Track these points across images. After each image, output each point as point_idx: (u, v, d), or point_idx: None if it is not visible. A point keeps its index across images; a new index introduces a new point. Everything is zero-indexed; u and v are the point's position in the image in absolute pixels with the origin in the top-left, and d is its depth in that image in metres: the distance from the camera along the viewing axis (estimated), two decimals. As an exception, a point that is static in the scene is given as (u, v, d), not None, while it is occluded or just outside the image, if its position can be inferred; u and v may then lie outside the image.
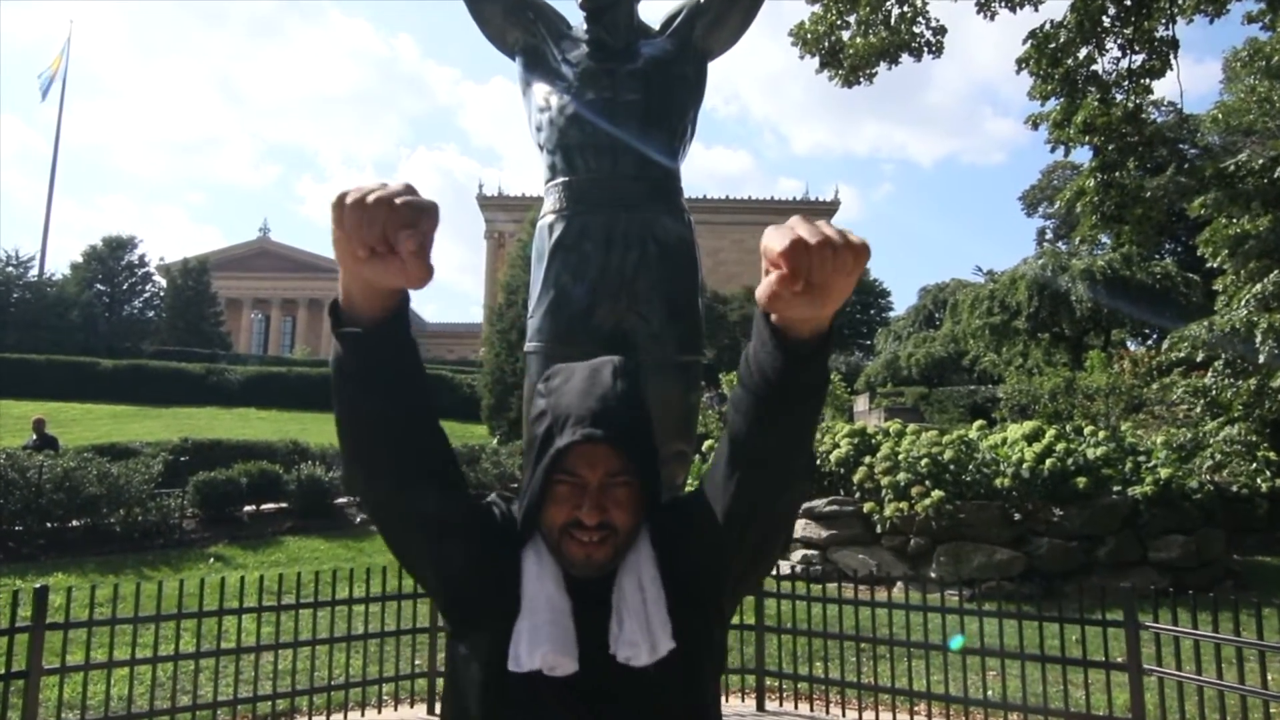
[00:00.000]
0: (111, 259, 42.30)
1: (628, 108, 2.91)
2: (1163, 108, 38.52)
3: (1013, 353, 28.77)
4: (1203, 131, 31.49)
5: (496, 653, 1.22)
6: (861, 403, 28.60)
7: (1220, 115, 18.13)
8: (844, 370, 39.64)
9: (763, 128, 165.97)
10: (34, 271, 38.56)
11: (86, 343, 35.27)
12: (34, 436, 12.00)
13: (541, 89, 3.04)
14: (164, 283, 45.75)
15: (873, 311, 52.34)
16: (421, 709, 5.68)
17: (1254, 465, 12.98)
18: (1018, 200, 48.14)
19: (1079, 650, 5.50)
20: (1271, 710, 4.76)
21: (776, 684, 5.92)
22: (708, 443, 13.12)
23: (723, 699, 5.83)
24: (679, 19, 3.16)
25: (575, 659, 1.19)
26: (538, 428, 1.28)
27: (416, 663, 5.93)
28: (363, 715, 5.50)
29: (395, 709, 5.71)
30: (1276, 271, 7.91)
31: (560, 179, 2.96)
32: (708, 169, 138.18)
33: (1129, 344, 27.67)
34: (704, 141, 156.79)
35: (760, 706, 5.74)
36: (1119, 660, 4.75)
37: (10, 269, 36.97)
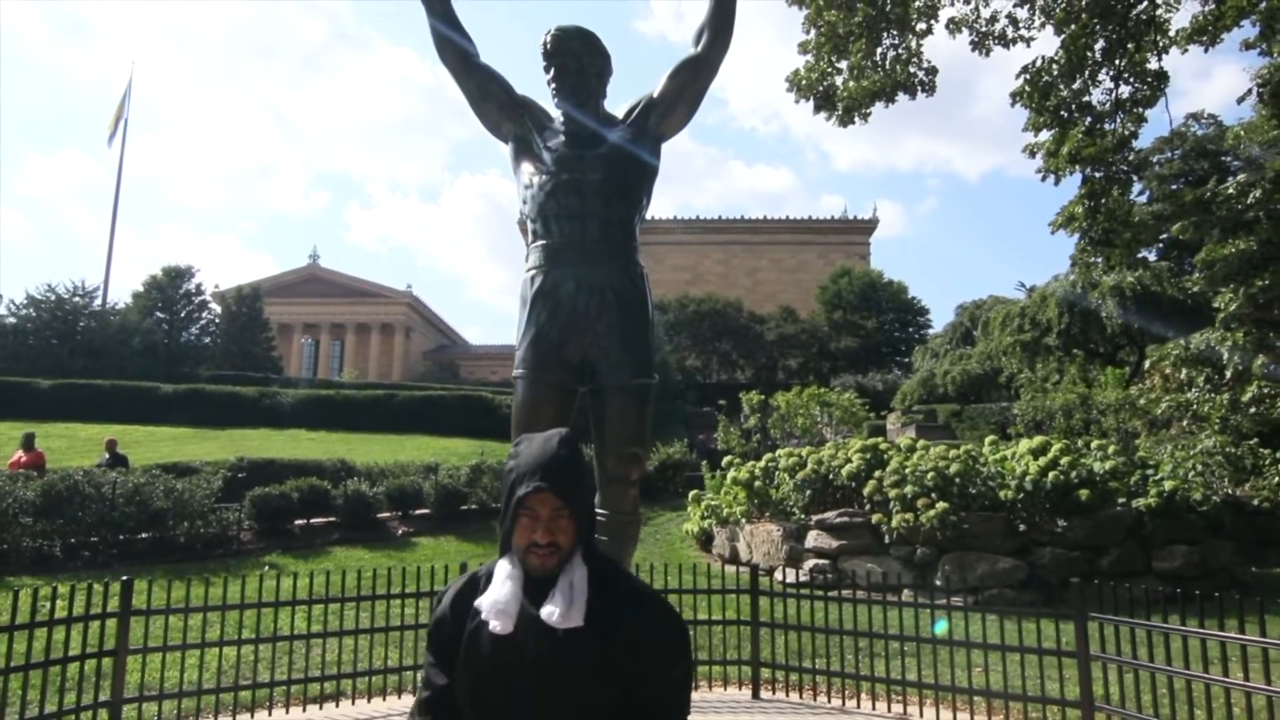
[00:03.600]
0: (171, 288, 44.23)
1: (593, 186, 3.63)
2: (1202, 120, 38.38)
3: (1047, 369, 28.82)
4: (1244, 144, 31.29)
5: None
6: (893, 420, 28.90)
7: (1243, 132, 18.31)
8: (880, 388, 39.84)
9: (804, 145, 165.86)
10: (98, 301, 40.58)
11: (147, 368, 36.95)
12: (107, 455, 13.06)
13: (527, 169, 3.79)
14: (218, 309, 47.63)
15: (911, 329, 52.23)
16: (451, 694, 6.36)
17: (1276, 480, 13.20)
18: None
19: (1052, 643, 5.98)
20: (1199, 687, 5.22)
21: (770, 675, 6.50)
22: (727, 458, 13.71)
23: (720, 689, 6.45)
24: (637, 111, 3.90)
25: (510, 624, 1.78)
26: (507, 480, 1.86)
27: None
28: (400, 699, 6.21)
29: (428, 694, 6.41)
30: (1241, 292, 8.27)
31: (541, 241, 3.73)
32: (749, 187, 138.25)
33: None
34: (745, 160, 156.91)
35: (755, 695, 6.31)
36: (1069, 649, 5.27)
37: (77, 298, 38.93)
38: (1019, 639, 5.55)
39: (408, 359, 71.64)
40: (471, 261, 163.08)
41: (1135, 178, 9.29)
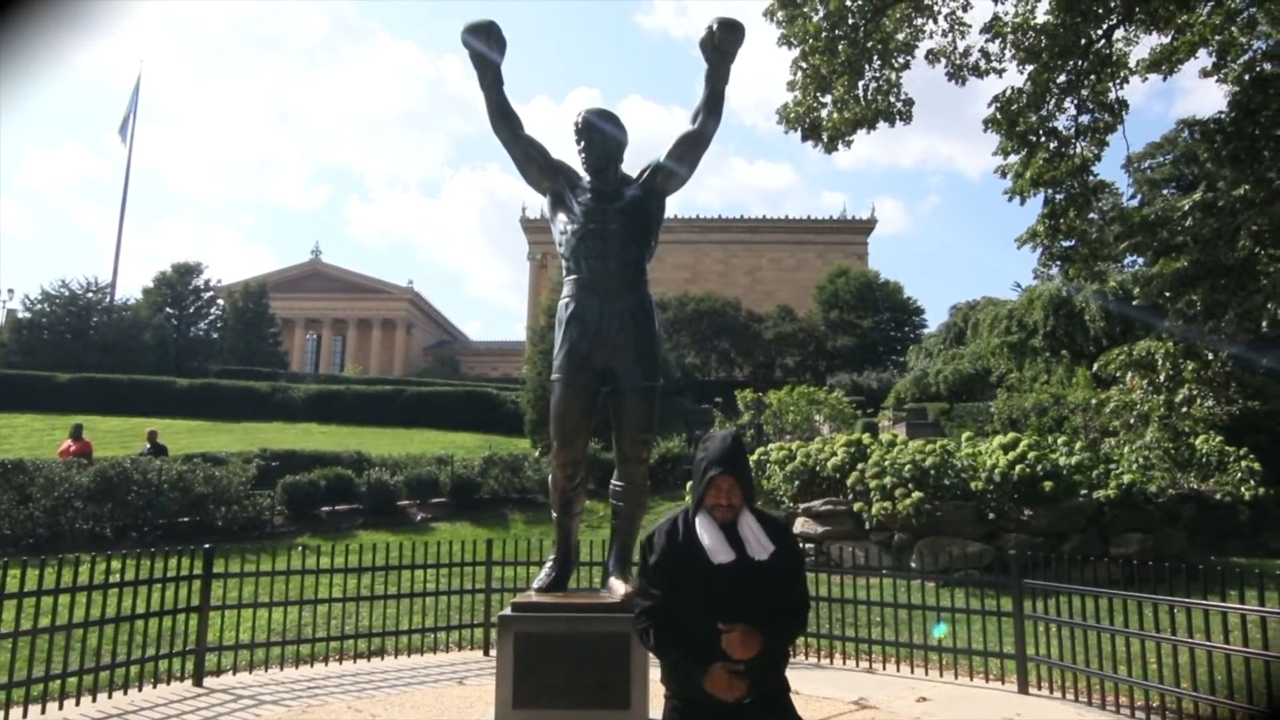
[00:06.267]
0: (180, 284, 45.19)
1: (613, 233, 4.69)
2: (1193, 126, 39.25)
3: (1035, 370, 29.76)
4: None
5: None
6: (885, 419, 29.82)
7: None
8: (875, 386, 40.78)
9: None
10: (108, 297, 41.50)
11: (157, 363, 37.86)
12: (148, 445, 14.01)
13: (561, 219, 4.86)
14: (225, 304, 48.51)
15: (906, 329, 53.15)
16: (479, 653, 7.33)
17: (1239, 475, 14.19)
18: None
19: (995, 608, 6.94)
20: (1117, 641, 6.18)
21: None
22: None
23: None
24: (647, 173, 4.97)
25: (729, 557, 2.76)
26: (700, 464, 2.87)
27: (475, 618, 7.59)
28: (435, 655, 7.18)
29: (459, 651, 7.38)
30: (1173, 308, 9.22)
31: (573, 275, 4.80)
32: (750, 184, 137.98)
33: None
34: (746, 156, 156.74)
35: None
36: (1008, 610, 6.23)
37: (90, 294, 39.85)
38: (965, 604, 6.51)
39: (409, 354, 72.52)
40: (472, 257, 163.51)
41: (1094, 199, 10.25)
